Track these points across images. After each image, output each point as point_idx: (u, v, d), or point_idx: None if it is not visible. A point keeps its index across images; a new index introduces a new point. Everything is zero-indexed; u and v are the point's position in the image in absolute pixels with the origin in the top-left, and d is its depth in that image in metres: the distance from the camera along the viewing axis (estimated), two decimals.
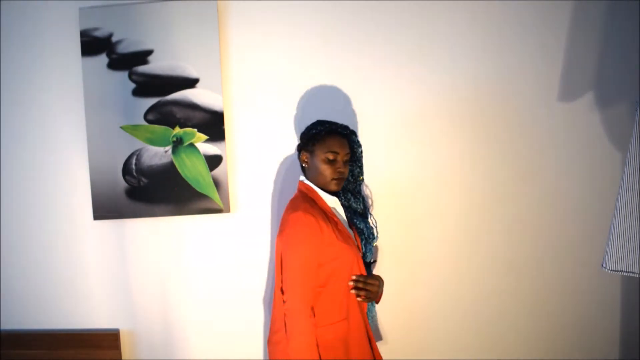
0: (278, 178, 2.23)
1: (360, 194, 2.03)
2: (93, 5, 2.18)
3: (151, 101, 2.18)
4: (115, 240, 2.28)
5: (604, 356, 2.27)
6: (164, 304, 2.30)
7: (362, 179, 2.03)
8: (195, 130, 2.18)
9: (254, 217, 2.25)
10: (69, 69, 2.22)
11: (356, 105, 2.21)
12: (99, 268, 2.29)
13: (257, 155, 2.23)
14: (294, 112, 2.21)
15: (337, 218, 1.90)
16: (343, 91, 2.20)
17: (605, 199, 2.19)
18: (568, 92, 2.19)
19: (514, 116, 2.20)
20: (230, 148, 2.23)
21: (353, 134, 1.96)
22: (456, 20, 2.17)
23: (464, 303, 2.27)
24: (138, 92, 2.18)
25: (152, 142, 2.19)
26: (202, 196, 2.20)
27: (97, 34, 2.17)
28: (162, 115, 2.18)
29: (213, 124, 2.18)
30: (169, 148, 2.19)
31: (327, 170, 1.87)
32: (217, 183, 2.19)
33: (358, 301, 1.88)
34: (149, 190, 2.20)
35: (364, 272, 1.91)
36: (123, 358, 2.30)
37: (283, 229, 1.85)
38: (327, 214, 1.87)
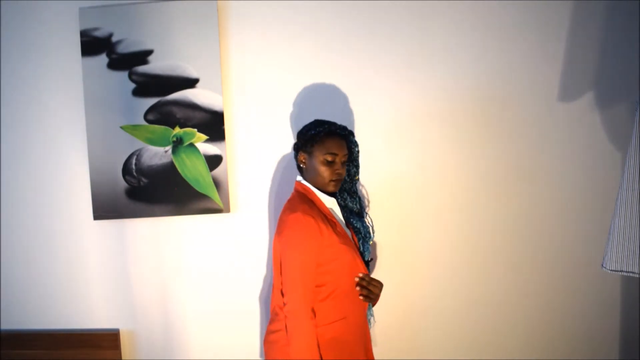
0: (278, 178, 2.23)
1: (357, 193, 2.03)
2: (93, 5, 2.18)
3: (151, 101, 2.18)
4: (115, 241, 2.28)
5: (604, 356, 2.27)
6: (164, 304, 2.30)
7: (358, 178, 2.03)
8: (195, 130, 2.18)
9: (254, 217, 2.25)
10: (69, 69, 2.22)
11: (356, 105, 2.21)
12: (99, 268, 2.29)
13: (257, 155, 2.23)
14: (292, 109, 2.21)
15: (336, 219, 1.90)
16: (342, 90, 2.20)
17: (605, 199, 2.19)
18: (568, 92, 2.19)
19: (514, 116, 2.20)
20: (230, 148, 2.23)
21: (351, 134, 1.96)
22: (456, 20, 2.17)
23: (463, 303, 2.27)
24: (138, 92, 2.18)
25: (152, 142, 2.19)
26: (202, 196, 2.20)
27: (97, 34, 2.17)
28: (162, 115, 2.18)
29: (213, 124, 2.18)
30: (169, 148, 2.19)
31: (325, 172, 1.87)
32: (217, 183, 2.19)
33: (360, 301, 1.88)
34: (149, 190, 2.20)
35: (365, 270, 1.91)
36: (123, 358, 2.30)
37: (282, 230, 1.84)
38: (325, 215, 1.87)
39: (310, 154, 1.89)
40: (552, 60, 2.17)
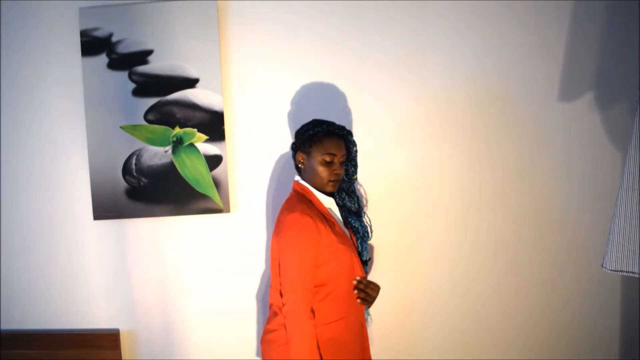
0: (278, 178, 2.23)
1: (355, 192, 2.03)
2: (93, 5, 2.18)
3: (151, 101, 2.18)
4: (115, 240, 2.28)
5: (604, 356, 2.27)
6: (164, 304, 2.30)
7: (356, 178, 2.03)
8: (195, 130, 2.18)
9: (254, 217, 2.25)
10: (69, 69, 2.22)
11: (355, 104, 2.21)
12: (99, 268, 2.29)
13: (257, 155, 2.23)
14: (292, 109, 2.21)
15: (334, 219, 1.90)
16: (342, 90, 2.20)
17: (605, 199, 2.19)
18: (568, 92, 2.19)
19: (513, 116, 2.20)
20: (230, 148, 2.23)
21: (349, 134, 1.95)
22: (456, 20, 2.17)
23: (463, 302, 2.27)
24: (138, 92, 2.18)
25: (152, 142, 2.19)
26: (202, 196, 2.20)
27: (97, 34, 2.17)
28: (162, 115, 2.18)
29: (213, 124, 2.18)
30: (169, 148, 2.19)
31: (324, 172, 1.86)
32: (217, 183, 2.19)
33: (354, 301, 1.88)
34: (149, 190, 2.20)
35: (362, 271, 1.91)
36: (123, 358, 2.30)
37: (279, 230, 1.83)
38: (324, 215, 1.87)
39: (308, 154, 1.88)
40: (552, 60, 2.17)
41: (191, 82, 2.17)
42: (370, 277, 2.23)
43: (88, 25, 2.17)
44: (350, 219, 1.99)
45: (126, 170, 2.20)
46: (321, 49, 2.19)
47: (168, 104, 2.18)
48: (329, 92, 2.21)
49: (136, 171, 2.20)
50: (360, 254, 1.98)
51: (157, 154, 2.19)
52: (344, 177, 2.00)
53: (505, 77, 2.19)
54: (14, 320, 2.32)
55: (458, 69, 2.18)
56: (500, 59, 2.18)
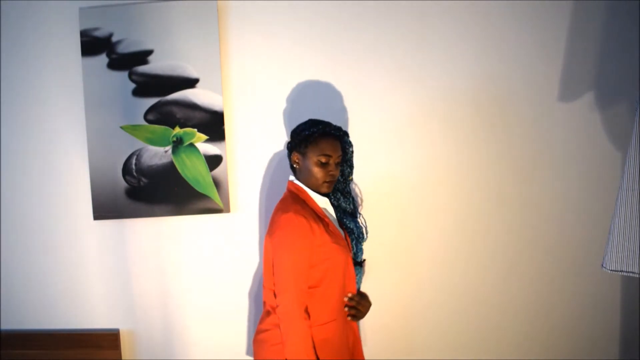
0: (278, 178, 2.23)
1: (350, 193, 2.02)
2: (93, 5, 2.18)
3: (151, 101, 2.18)
4: (115, 240, 2.28)
5: (604, 356, 2.27)
6: (164, 304, 2.30)
7: (352, 179, 2.02)
8: (195, 130, 2.18)
9: (254, 217, 2.25)
10: (69, 69, 2.22)
11: (355, 104, 2.21)
12: (99, 268, 2.29)
13: (257, 155, 2.23)
14: (292, 109, 2.21)
15: (329, 219, 1.89)
16: (342, 89, 2.20)
17: (605, 199, 2.19)
18: (568, 92, 2.19)
19: (513, 116, 2.20)
20: (230, 148, 2.23)
21: (346, 134, 1.94)
22: (456, 20, 2.17)
23: (461, 302, 2.27)
24: (138, 92, 2.18)
25: (152, 142, 2.19)
26: (202, 196, 2.20)
27: (97, 34, 2.17)
28: (162, 115, 2.18)
29: (213, 124, 2.18)
30: (169, 148, 2.19)
31: (319, 173, 1.85)
32: (217, 183, 2.19)
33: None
34: (149, 190, 2.20)
35: (354, 273, 1.91)
36: (123, 358, 2.30)
37: (273, 230, 1.83)
38: (318, 215, 1.86)
39: (303, 154, 1.87)
40: (552, 60, 2.17)
41: (191, 82, 2.17)
42: (368, 278, 2.23)
43: (88, 25, 2.17)
44: (345, 220, 1.98)
45: (126, 170, 2.20)
46: (321, 49, 2.19)
47: (168, 104, 2.18)
48: (328, 92, 2.21)
49: (136, 171, 2.20)
50: (355, 255, 1.97)
51: (157, 154, 2.20)
52: (340, 178, 1.99)
53: (505, 77, 2.19)
54: (14, 320, 2.32)
55: (457, 68, 2.18)
56: (500, 59, 2.18)
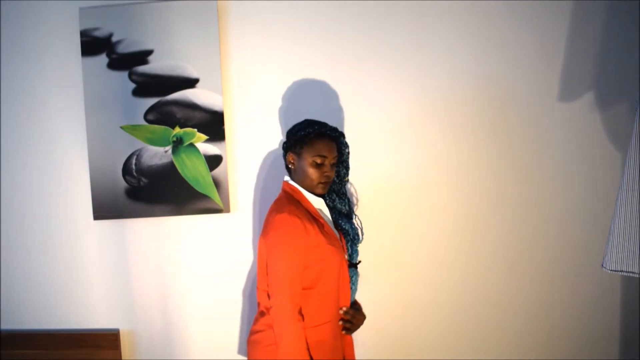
0: (278, 178, 2.23)
1: (346, 194, 2.00)
2: (93, 5, 2.18)
3: (151, 101, 2.18)
4: (115, 240, 2.28)
5: (604, 356, 2.27)
6: (164, 304, 2.30)
7: (347, 180, 2.00)
8: (195, 130, 2.18)
9: (254, 217, 2.25)
10: (69, 69, 2.22)
11: (355, 104, 2.21)
12: (99, 268, 2.29)
13: (257, 155, 2.23)
14: (291, 109, 2.21)
15: (323, 220, 1.87)
16: (341, 89, 2.20)
17: (605, 199, 2.19)
18: (568, 92, 2.19)
19: (513, 116, 2.20)
20: (230, 148, 2.23)
21: (342, 135, 1.92)
22: (456, 20, 2.17)
23: (461, 303, 2.27)
24: (138, 92, 2.18)
25: (152, 142, 2.19)
26: (202, 196, 2.20)
27: (97, 34, 2.17)
28: (162, 115, 2.18)
29: (213, 124, 2.18)
30: (169, 148, 2.19)
31: (314, 174, 1.83)
32: (217, 183, 2.19)
33: (344, 303, 1.89)
34: (149, 190, 2.20)
35: (348, 275, 1.90)
36: (123, 358, 2.30)
37: (267, 231, 1.81)
38: (313, 216, 1.84)
39: (299, 155, 1.86)
40: (552, 60, 2.17)
41: (191, 82, 2.17)
42: (369, 278, 2.23)
43: (88, 25, 2.17)
44: (340, 221, 1.96)
45: (126, 170, 2.20)
46: (321, 49, 2.19)
47: (168, 104, 2.18)
48: (328, 92, 2.21)
49: (136, 171, 2.20)
50: (350, 257, 1.96)
51: (157, 154, 2.20)
52: (335, 179, 1.97)
53: (505, 77, 2.19)
54: (14, 320, 2.32)
55: (457, 68, 2.18)
56: (500, 59, 2.18)
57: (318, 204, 1.90)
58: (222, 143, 2.19)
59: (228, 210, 2.20)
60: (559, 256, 2.25)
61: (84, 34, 2.17)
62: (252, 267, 2.27)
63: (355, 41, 2.18)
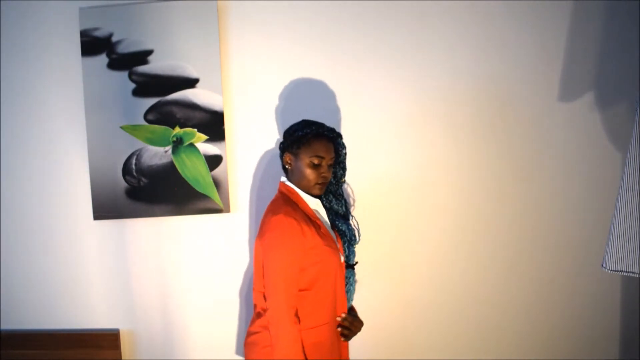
0: (277, 178, 2.23)
1: (342, 195, 1.99)
2: (93, 5, 2.18)
3: (151, 101, 2.18)
4: (115, 241, 2.28)
5: (604, 356, 2.27)
6: (164, 304, 2.30)
7: (344, 181, 2.00)
8: (195, 130, 2.18)
9: (254, 217, 2.25)
10: (69, 69, 2.22)
11: (354, 104, 2.21)
12: (99, 268, 2.29)
13: (257, 155, 2.23)
14: (291, 109, 2.21)
15: (320, 221, 1.87)
16: (341, 89, 2.20)
17: (605, 199, 2.19)
18: (568, 92, 2.19)
19: (513, 116, 2.20)
20: (230, 148, 2.23)
21: (339, 136, 1.91)
22: (456, 20, 2.17)
23: (461, 303, 2.27)
24: (138, 92, 2.18)
25: (152, 142, 2.19)
26: (202, 196, 2.20)
27: (97, 34, 2.17)
28: (162, 115, 2.18)
29: (213, 124, 2.18)
30: (169, 148, 2.19)
31: (311, 175, 1.82)
32: (217, 183, 2.19)
33: (341, 305, 1.89)
34: (149, 190, 2.20)
35: (343, 277, 1.90)
36: (123, 358, 2.30)
37: (263, 232, 1.81)
38: (309, 217, 1.84)
39: (296, 155, 1.85)
40: (552, 60, 2.17)
41: (191, 82, 2.17)
42: (369, 278, 2.23)
43: (88, 25, 2.17)
44: (337, 222, 1.96)
45: (126, 170, 2.20)
46: (321, 49, 2.19)
47: (168, 104, 2.18)
48: (328, 92, 2.21)
49: (136, 171, 2.20)
50: (347, 258, 1.95)
51: (157, 154, 2.20)
52: (332, 180, 1.97)
53: (505, 78, 2.19)
54: (14, 320, 2.32)
55: (457, 68, 2.18)
56: (500, 59, 2.18)
57: (315, 205, 1.89)
58: (222, 143, 2.19)
59: (228, 210, 2.20)
60: (559, 256, 2.25)
61: (84, 34, 2.17)
62: (252, 267, 2.27)
63: (355, 41, 2.18)
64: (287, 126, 2.20)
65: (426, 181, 2.23)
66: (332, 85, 2.20)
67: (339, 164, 1.95)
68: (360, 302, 2.19)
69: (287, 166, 1.88)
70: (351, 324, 1.90)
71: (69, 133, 2.25)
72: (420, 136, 2.22)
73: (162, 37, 2.16)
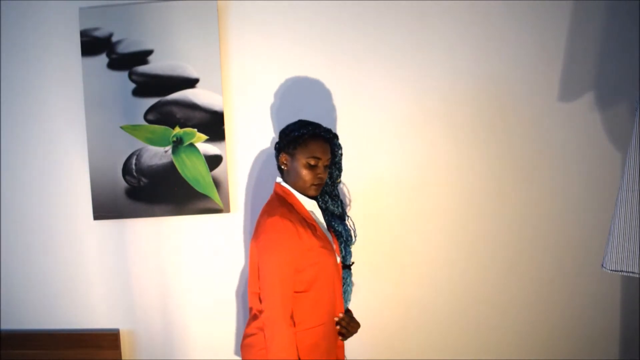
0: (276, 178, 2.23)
1: (338, 196, 1.99)
2: (93, 5, 2.18)
3: (151, 101, 2.18)
4: (115, 241, 2.28)
5: (604, 356, 2.27)
6: (164, 304, 2.30)
7: (340, 181, 1.99)
8: (195, 130, 2.18)
9: (254, 218, 2.25)
10: (69, 69, 2.22)
11: (354, 104, 2.21)
12: (99, 268, 2.29)
13: (257, 156, 2.23)
14: (291, 109, 2.21)
15: (316, 222, 1.86)
16: (341, 89, 2.20)
17: (605, 199, 2.19)
18: (568, 92, 2.19)
19: (513, 116, 2.20)
20: (230, 148, 2.23)
21: (335, 137, 1.90)
22: (456, 20, 2.17)
23: (461, 303, 2.27)
24: (138, 92, 2.18)
25: (152, 142, 2.19)
26: (202, 196, 2.20)
27: (97, 34, 2.17)
28: (162, 115, 2.18)
29: (213, 124, 2.18)
30: (169, 148, 2.19)
31: (307, 176, 1.81)
32: (217, 183, 2.19)
33: (338, 306, 1.89)
34: (149, 190, 2.20)
35: (339, 278, 1.89)
36: (123, 358, 2.30)
37: (259, 234, 1.80)
38: (305, 219, 1.83)
39: (292, 155, 1.83)
40: (552, 60, 2.17)
41: (191, 82, 2.17)
42: (369, 278, 2.23)
43: (88, 25, 2.17)
44: (333, 223, 1.95)
45: (126, 170, 2.20)
46: (321, 49, 2.19)
47: (168, 104, 2.18)
48: (328, 92, 2.21)
49: (136, 171, 2.20)
50: (344, 258, 1.95)
51: (157, 154, 2.20)
52: (328, 181, 1.96)
53: (505, 78, 2.19)
54: (14, 320, 2.32)
55: (457, 68, 2.18)
56: (500, 59, 2.18)
57: (310, 206, 1.88)
58: (222, 143, 2.19)
59: (228, 210, 2.20)
60: (559, 256, 2.25)
61: (84, 34, 2.17)
62: None
63: (355, 41, 2.18)
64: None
65: (426, 181, 2.23)
66: (332, 85, 2.20)
67: (334, 164, 1.95)
68: (360, 303, 2.19)
69: (282, 167, 1.87)
70: (348, 324, 1.89)
71: (69, 133, 2.25)
72: (420, 136, 2.22)
73: (162, 37, 2.16)
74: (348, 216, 2.03)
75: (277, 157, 1.90)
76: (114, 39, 2.17)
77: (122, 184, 2.20)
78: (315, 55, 2.19)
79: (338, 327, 1.89)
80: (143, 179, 2.20)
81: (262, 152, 2.24)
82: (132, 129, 2.19)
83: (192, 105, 2.18)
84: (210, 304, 2.29)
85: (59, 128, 2.25)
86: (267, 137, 2.23)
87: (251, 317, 1.88)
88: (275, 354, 1.71)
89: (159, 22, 2.16)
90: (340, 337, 1.90)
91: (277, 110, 2.22)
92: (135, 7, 2.16)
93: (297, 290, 1.78)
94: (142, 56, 2.17)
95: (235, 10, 2.19)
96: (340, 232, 1.94)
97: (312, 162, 1.81)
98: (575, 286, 2.25)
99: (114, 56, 2.17)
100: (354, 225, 2.01)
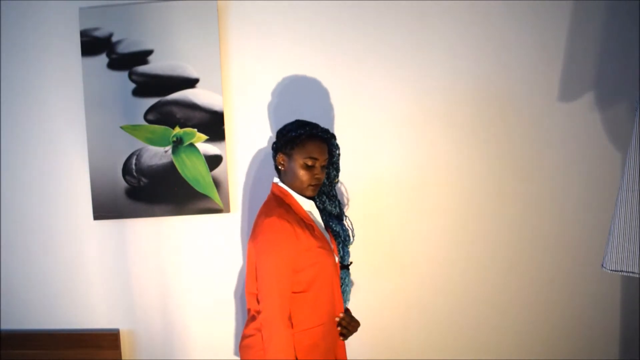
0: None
1: (336, 196, 1.98)
2: (93, 5, 2.18)
3: (151, 101, 2.18)
4: (115, 240, 2.28)
5: (604, 356, 2.27)
6: (164, 304, 2.30)
7: (337, 182, 1.98)
8: (195, 130, 2.18)
9: (253, 217, 2.25)
10: (69, 69, 2.22)
11: (355, 104, 2.21)
12: (99, 268, 2.29)
13: (257, 155, 2.23)
14: (291, 109, 2.20)
15: (314, 223, 1.85)
16: (341, 89, 2.20)
17: (605, 199, 2.19)
18: (568, 92, 2.19)
19: (513, 116, 2.20)
20: (230, 148, 2.23)
21: (333, 137, 1.90)
22: (456, 20, 2.17)
23: (461, 303, 2.27)
24: (138, 92, 2.18)
25: (152, 142, 2.19)
26: (202, 196, 2.20)
27: (97, 34, 2.17)
28: (162, 115, 2.18)
29: (213, 124, 2.18)
30: (169, 148, 2.19)
31: (305, 176, 1.81)
32: (217, 183, 2.19)
33: (337, 307, 1.88)
34: (149, 190, 2.20)
35: (338, 278, 1.89)
36: (123, 358, 2.30)
37: (256, 235, 1.79)
38: (303, 219, 1.82)
39: (289, 156, 1.83)
40: (552, 60, 2.17)
41: (191, 82, 2.17)
42: (369, 278, 2.23)
43: (88, 25, 2.17)
44: (331, 223, 1.95)
45: (126, 170, 2.20)
46: (321, 49, 2.19)
47: (168, 104, 2.18)
48: (328, 92, 2.21)
49: (136, 171, 2.20)
50: (342, 258, 1.95)
51: (157, 154, 2.20)
52: (325, 181, 1.95)
53: (505, 77, 2.19)
54: (14, 320, 2.32)
55: (457, 68, 2.18)
56: (500, 59, 2.18)
57: (308, 206, 1.88)
58: (222, 143, 2.19)
59: (228, 210, 2.20)
60: (559, 256, 2.25)
61: (84, 34, 2.17)
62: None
63: (355, 41, 2.18)
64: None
65: (426, 181, 2.23)
66: (332, 85, 2.20)
67: (332, 164, 1.94)
68: (360, 302, 2.19)
69: (280, 167, 1.87)
70: (348, 324, 1.89)
71: (69, 133, 2.25)
72: (420, 136, 2.22)
73: (162, 37, 2.16)
74: (346, 216, 2.02)
75: (274, 157, 1.89)
76: (114, 39, 2.17)
77: (122, 184, 2.20)
78: (315, 55, 2.19)
79: (339, 327, 1.88)
80: (143, 179, 2.20)
81: (262, 152, 2.24)
82: (132, 129, 2.19)
83: (192, 105, 2.18)
84: (210, 304, 2.29)
85: (59, 128, 2.25)
86: (267, 137, 2.23)
87: (249, 318, 1.88)
88: (273, 354, 1.71)
89: (159, 22, 2.16)
90: (341, 337, 1.90)
91: (277, 110, 2.22)
92: (135, 7, 2.16)
93: (296, 291, 1.77)
94: (142, 56, 2.17)
95: (235, 10, 2.19)
96: (338, 232, 1.94)
97: (310, 163, 1.81)
98: (575, 286, 2.25)
99: (114, 56, 2.17)
100: (351, 225, 2.01)
